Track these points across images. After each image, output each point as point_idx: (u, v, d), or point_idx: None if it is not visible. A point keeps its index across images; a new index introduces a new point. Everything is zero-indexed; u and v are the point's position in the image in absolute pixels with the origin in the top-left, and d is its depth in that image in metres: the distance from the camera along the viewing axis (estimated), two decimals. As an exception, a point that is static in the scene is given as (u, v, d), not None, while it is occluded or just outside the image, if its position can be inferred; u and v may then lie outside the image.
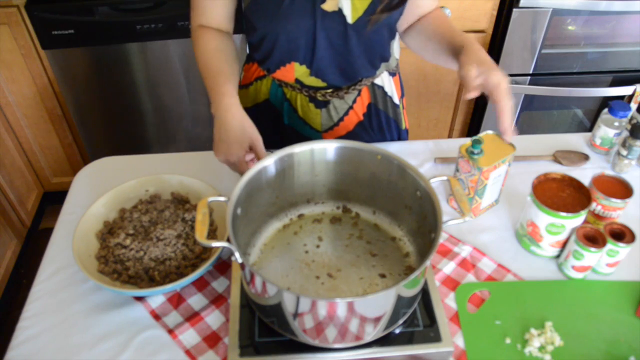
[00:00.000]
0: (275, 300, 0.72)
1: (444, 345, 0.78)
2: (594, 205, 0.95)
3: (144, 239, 0.92)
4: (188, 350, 0.81)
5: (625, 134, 1.12)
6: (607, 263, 0.90)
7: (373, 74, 1.10)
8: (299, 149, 0.89)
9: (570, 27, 1.93)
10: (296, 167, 0.91)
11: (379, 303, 0.72)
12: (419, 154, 1.17)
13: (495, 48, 2.01)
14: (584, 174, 1.05)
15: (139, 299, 0.88)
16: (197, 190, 1.01)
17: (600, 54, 2.00)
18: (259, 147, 0.92)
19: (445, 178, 0.84)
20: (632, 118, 1.17)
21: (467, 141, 0.98)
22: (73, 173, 2.07)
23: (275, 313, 0.75)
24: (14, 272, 2.00)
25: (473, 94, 0.85)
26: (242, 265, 0.75)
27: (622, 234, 0.88)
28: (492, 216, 1.03)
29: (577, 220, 0.88)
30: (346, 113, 1.12)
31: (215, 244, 0.72)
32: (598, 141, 1.17)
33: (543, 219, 0.90)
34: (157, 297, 0.88)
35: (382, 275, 0.88)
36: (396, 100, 1.18)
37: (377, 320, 0.73)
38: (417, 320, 0.81)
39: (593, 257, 0.87)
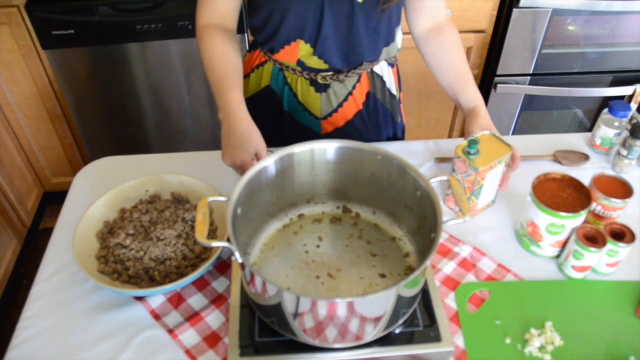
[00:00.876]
0: (275, 300, 0.72)
1: (444, 345, 0.78)
2: (594, 205, 0.95)
3: (144, 239, 0.92)
4: (188, 350, 0.81)
5: (625, 134, 1.12)
6: (607, 263, 0.90)
7: (375, 58, 1.10)
8: (299, 149, 0.89)
9: (570, 27, 1.93)
10: (296, 167, 0.91)
11: (379, 303, 0.72)
12: (419, 154, 1.17)
13: (495, 48, 2.01)
14: (584, 174, 1.05)
15: (139, 299, 0.88)
16: (197, 190, 1.01)
17: (600, 54, 2.00)
18: (263, 154, 0.94)
19: (445, 178, 0.84)
20: (632, 118, 1.17)
21: (464, 141, 0.98)
22: (73, 173, 2.07)
23: (275, 313, 0.75)
24: (14, 272, 2.00)
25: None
26: (242, 265, 0.75)
27: (622, 234, 0.88)
28: (492, 216, 1.03)
29: (577, 220, 0.88)
30: (345, 99, 1.13)
31: (215, 244, 0.72)
32: (598, 141, 1.17)
33: (543, 219, 0.90)
34: (157, 297, 0.88)
35: (382, 275, 0.88)
36: (394, 91, 1.19)
37: (377, 320, 0.73)
38: (417, 320, 0.81)
39: (593, 257, 0.87)
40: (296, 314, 0.72)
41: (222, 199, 0.82)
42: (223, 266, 0.93)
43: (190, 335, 0.83)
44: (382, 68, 1.14)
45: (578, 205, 0.90)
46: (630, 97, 2.08)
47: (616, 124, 1.13)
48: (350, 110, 1.15)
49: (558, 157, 1.16)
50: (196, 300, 0.88)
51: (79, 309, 0.86)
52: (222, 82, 0.98)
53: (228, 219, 0.76)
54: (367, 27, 1.02)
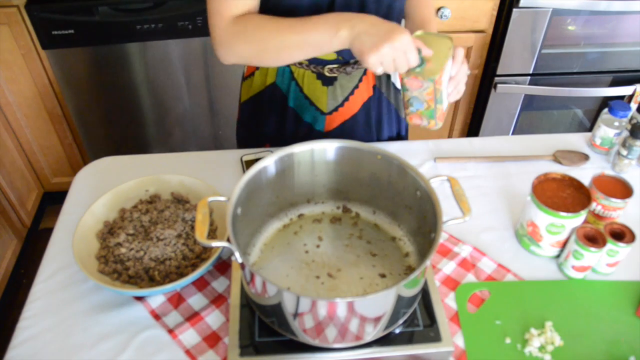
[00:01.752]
0: (275, 300, 0.72)
1: (444, 345, 0.78)
2: (594, 205, 0.95)
3: (144, 239, 0.92)
4: (188, 350, 0.81)
5: (625, 134, 1.12)
6: (607, 263, 0.90)
7: None
8: (299, 149, 0.89)
9: (570, 27, 1.93)
10: (296, 167, 0.91)
11: (379, 303, 0.72)
12: (419, 154, 1.17)
13: (495, 48, 2.01)
14: (584, 174, 1.05)
15: (139, 299, 0.88)
16: (197, 190, 1.01)
17: (600, 54, 2.00)
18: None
19: (445, 178, 0.84)
20: (632, 118, 1.17)
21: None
22: (73, 173, 2.07)
23: (275, 313, 0.75)
24: (14, 272, 2.00)
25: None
26: (242, 265, 0.75)
27: (622, 234, 0.88)
28: (492, 216, 1.03)
29: (577, 220, 0.88)
30: (352, 92, 1.13)
31: (215, 244, 0.72)
32: (598, 141, 1.17)
33: (543, 218, 0.90)
34: (157, 297, 0.88)
35: (382, 275, 0.88)
36: (398, 85, 1.19)
37: (377, 320, 0.73)
38: (417, 320, 0.81)
39: (593, 257, 0.87)
40: (296, 314, 0.72)
41: (222, 199, 0.82)
42: (223, 266, 0.93)
43: (190, 335, 0.83)
44: None
45: (578, 205, 0.90)
46: (630, 97, 2.08)
47: (616, 124, 1.13)
48: (355, 104, 1.15)
49: (558, 157, 1.16)
50: (196, 300, 0.88)
51: (79, 309, 0.86)
52: (304, 19, 0.90)
53: (228, 219, 0.76)
54: (378, 11, 1.02)
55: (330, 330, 0.73)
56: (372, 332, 0.76)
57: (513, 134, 2.24)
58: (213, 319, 0.85)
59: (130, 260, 0.90)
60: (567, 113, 2.24)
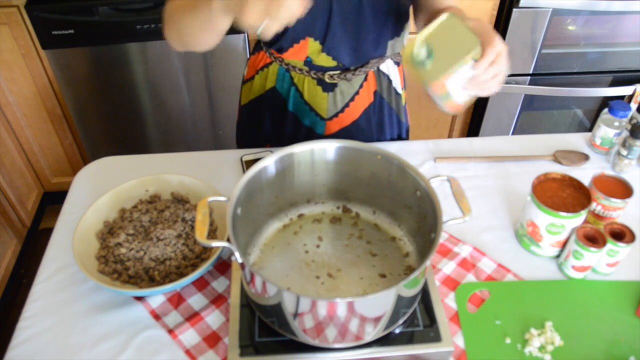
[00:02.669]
0: (275, 300, 0.72)
1: (444, 345, 0.78)
2: (594, 205, 0.95)
3: (144, 239, 0.92)
4: (188, 350, 0.81)
5: (625, 134, 1.12)
6: (607, 263, 0.90)
7: (381, 53, 1.10)
8: (299, 149, 0.89)
9: (570, 27, 1.93)
10: (296, 167, 0.91)
11: (379, 303, 0.72)
12: (419, 154, 1.17)
13: (495, 48, 2.00)
14: (584, 174, 1.05)
15: (139, 299, 0.88)
16: (197, 190, 1.01)
17: (600, 54, 2.00)
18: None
19: (445, 178, 0.84)
20: (632, 118, 1.17)
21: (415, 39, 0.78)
22: (73, 173, 2.07)
23: (275, 313, 0.75)
24: (14, 272, 2.00)
25: None
26: (242, 265, 0.75)
27: (622, 234, 0.88)
28: (492, 216, 1.03)
29: (577, 220, 0.88)
30: (352, 99, 1.13)
31: (215, 244, 0.72)
32: (598, 141, 1.17)
33: (543, 219, 0.90)
34: (157, 297, 0.88)
35: (382, 275, 0.88)
36: (399, 90, 1.20)
37: (377, 320, 0.73)
38: (417, 320, 0.81)
39: (593, 257, 0.87)
40: (296, 314, 0.72)
41: (222, 199, 0.82)
42: (223, 266, 0.93)
43: (190, 335, 0.83)
44: (388, 67, 1.14)
45: (578, 205, 0.90)
46: (630, 97, 2.08)
47: (616, 124, 1.13)
48: (356, 110, 1.15)
49: (558, 157, 1.16)
50: (196, 300, 0.88)
51: (79, 309, 0.86)
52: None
53: (228, 219, 0.76)
54: (375, 20, 1.02)
55: (330, 330, 0.73)
56: (372, 332, 0.76)
57: (513, 134, 2.24)
58: (213, 319, 0.85)
59: (130, 260, 0.90)
60: (567, 113, 2.24)
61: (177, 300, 0.88)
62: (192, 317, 0.85)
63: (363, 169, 0.92)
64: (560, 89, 2.05)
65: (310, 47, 1.05)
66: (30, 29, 1.76)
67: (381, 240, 0.94)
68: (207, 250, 0.92)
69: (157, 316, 0.85)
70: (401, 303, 0.75)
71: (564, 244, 0.92)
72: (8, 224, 1.97)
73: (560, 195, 0.92)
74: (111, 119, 2.02)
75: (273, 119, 1.18)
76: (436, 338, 0.79)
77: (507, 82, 2.05)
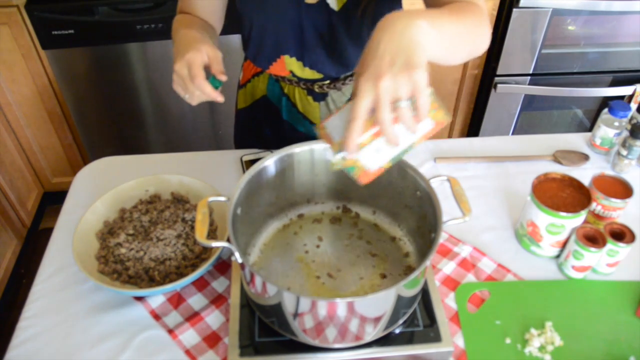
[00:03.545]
0: (275, 300, 0.72)
1: (444, 345, 0.78)
2: (594, 205, 0.95)
3: (144, 239, 0.92)
4: (188, 350, 0.81)
5: (625, 134, 1.12)
6: (607, 263, 0.90)
7: None
8: (299, 149, 0.89)
9: (570, 27, 1.93)
10: (296, 167, 0.91)
11: (379, 303, 0.72)
12: (419, 154, 1.17)
13: (495, 48, 2.01)
14: (584, 174, 1.05)
15: (139, 299, 0.88)
16: (197, 190, 1.01)
17: (600, 54, 2.00)
18: (212, 54, 0.84)
19: (445, 178, 0.84)
20: (632, 118, 1.17)
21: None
22: (73, 173, 2.07)
23: (275, 313, 0.75)
24: (14, 272, 2.00)
25: None
26: (242, 265, 0.75)
27: (622, 234, 0.88)
28: (492, 216, 1.03)
29: (577, 220, 0.88)
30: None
31: (215, 244, 0.72)
32: (598, 141, 1.17)
33: (543, 219, 0.90)
34: (157, 297, 0.88)
35: (382, 275, 0.88)
36: None
37: (377, 320, 0.73)
38: (417, 320, 0.81)
39: (593, 257, 0.87)
40: (296, 314, 0.72)
41: (222, 199, 0.82)
42: (223, 266, 0.93)
43: (190, 335, 0.83)
44: None
45: (578, 205, 0.90)
46: (630, 97, 2.08)
47: (616, 124, 1.13)
48: None
49: (558, 157, 1.16)
50: (196, 300, 0.88)
51: (79, 309, 0.86)
52: (181, 27, 0.92)
53: (228, 219, 0.76)
54: (349, 34, 1.00)
55: (330, 331, 0.73)
56: (372, 332, 0.76)
57: (513, 134, 2.24)
58: (213, 319, 0.85)
59: (130, 260, 0.90)
60: (567, 113, 2.24)
61: (177, 300, 0.88)
62: (192, 317, 0.85)
63: (363, 169, 0.92)
64: (560, 89, 2.05)
65: (289, 65, 1.05)
66: (30, 29, 1.75)
67: (381, 240, 0.94)
68: (207, 250, 0.92)
69: (157, 316, 0.85)
70: (401, 303, 0.75)
71: (564, 244, 0.92)
72: (8, 224, 1.97)
73: (560, 195, 0.92)
74: (111, 119, 2.02)
75: (270, 125, 1.18)
76: (436, 338, 0.79)
77: (507, 82, 2.05)
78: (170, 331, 0.83)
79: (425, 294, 0.84)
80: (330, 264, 0.89)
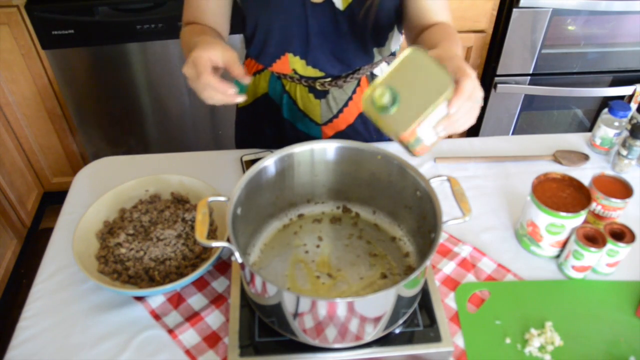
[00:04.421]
0: (275, 300, 0.72)
1: (444, 345, 0.78)
2: (594, 205, 0.95)
3: (144, 239, 0.92)
4: (188, 350, 0.81)
5: (625, 134, 1.12)
6: (607, 263, 0.90)
7: (369, 61, 1.09)
8: (299, 149, 0.89)
9: (570, 27, 1.93)
10: (296, 167, 0.91)
11: (379, 303, 0.72)
12: (419, 154, 1.17)
13: (495, 48, 2.01)
14: (584, 174, 1.05)
15: (139, 299, 0.88)
16: (197, 190, 1.01)
17: (600, 54, 2.00)
18: (228, 57, 0.82)
19: (445, 178, 0.84)
20: (632, 118, 1.17)
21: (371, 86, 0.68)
22: (73, 173, 2.07)
23: (275, 313, 0.75)
24: (14, 272, 2.00)
25: None
26: (242, 265, 0.75)
27: (622, 234, 0.88)
28: (492, 216, 1.03)
29: (577, 220, 0.88)
30: (345, 104, 1.13)
31: (215, 244, 0.72)
32: (598, 141, 1.17)
33: (543, 219, 0.90)
34: (157, 297, 0.88)
35: (382, 275, 0.88)
36: None
37: (377, 320, 0.73)
38: (417, 320, 0.81)
39: (593, 257, 0.87)
40: (296, 314, 0.72)
41: (222, 199, 0.82)
42: (223, 266, 0.93)
43: (190, 335, 0.83)
44: (382, 70, 1.14)
45: (578, 205, 0.90)
46: (630, 97, 2.08)
47: (616, 124, 1.13)
48: (351, 115, 1.14)
49: (558, 157, 1.16)
50: (196, 300, 0.88)
51: (79, 309, 0.86)
52: (193, 36, 0.91)
53: (228, 219, 0.76)
54: (353, 32, 1.01)
55: (330, 330, 0.73)
56: (372, 332, 0.76)
57: (513, 134, 2.24)
58: (213, 319, 0.85)
59: (130, 260, 0.90)
60: (567, 113, 2.24)
61: (177, 300, 0.88)
62: (192, 317, 0.85)
63: (363, 169, 0.92)
64: (560, 89, 2.05)
65: (292, 63, 1.06)
66: (30, 29, 1.75)
67: (381, 240, 0.94)
68: (207, 250, 0.92)
69: (157, 316, 0.85)
70: (401, 303, 0.75)
71: (564, 244, 0.92)
72: (8, 224, 1.97)
73: (560, 195, 0.92)
74: (111, 119, 2.02)
75: (270, 124, 1.18)
76: (436, 338, 0.79)
77: (507, 82, 2.05)
78: (170, 331, 0.83)
79: (425, 294, 0.84)
80: (330, 264, 0.89)
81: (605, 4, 1.85)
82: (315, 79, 1.08)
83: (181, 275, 0.88)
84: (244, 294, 0.84)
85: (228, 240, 0.74)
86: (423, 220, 0.85)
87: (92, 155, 2.09)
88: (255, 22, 1.02)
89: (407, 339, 0.79)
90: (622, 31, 1.94)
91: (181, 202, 1.01)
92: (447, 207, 1.05)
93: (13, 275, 1.98)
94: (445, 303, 0.88)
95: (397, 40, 1.14)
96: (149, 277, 0.88)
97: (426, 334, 0.79)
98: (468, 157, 1.16)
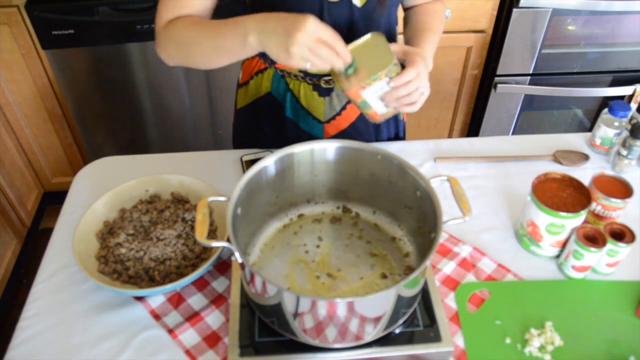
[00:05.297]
0: (275, 300, 0.72)
1: (444, 345, 0.78)
2: (594, 205, 0.95)
3: (144, 239, 0.92)
4: (188, 350, 0.81)
5: (625, 134, 1.12)
6: (607, 263, 0.90)
7: None
8: (299, 149, 0.89)
9: (570, 27, 1.93)
10: (296, 167, 0.91)
11: (379, 303, 0.72)
12: (419, 154, 1.17)
13: (495, 48, 2.01)
14: (584, 174, 1.05)
15: (139, 299, 0.88)
16: (197, 190, 1.01)
17: (600, 54, 2.00)
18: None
19: (445, 178, 0.84)
20: (632, 118, 1.17)
21: None
22: (73, 173, 2.07)
23: (275, 313, 0.75)
24: (14, 272, 2.00)
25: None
26: (242, 265, 0.75)
27: (622, 234, 0.88)
28: (492, 216, 1.03)
29: (577, 220, 0.88)
30: (349, 101, 1.13)
31: (215, 244, 0.72)
32: (598, 141, 1.17)
33: (543, 219, 0.90)
34: (157, 297, 0.88)
35: (383, 275, 0.88)
36: None
37: (377, 320, 0.73)
38: (417, 320, 0.81)
39: (593, 257, 0.87)
40: (296, 314, 0.72)
41: (222, 199, 0.82)
42: (223, 266, 0.93)
43: (190, 335, 0.83)
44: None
45: (578, 205, 0.90)
46: (630, 97, 2.08)
47: (616, 124, 1.13)
48: (353, 112, 1.15)
49: (558, 157, 1.16)
50: (196, 300, 0.88)
51: (79, 309, 0.86)
52: (220, 23, 0.85)
53: (228, 219, 0.76)
54: (367, 29, 1.00)
55: (330, 331, 0.73)
56: (372, 332, 0.76)
57: (513, 134, 2.24)
58: (213, 319, 0.85)
59: (130, 260, 0.90)
60: (567, 113, 2.24)
61: (177, 300, 0.88)
62: (192, 317, 0.85)
63: (363, 169, 0.92)
64: (560, 89, 2.05)
65: None
66: (30, 29, 1.75)
67: (381, 240, 0.94)
68: (207, 250, 0.92)
69: (157, 316, 0.85)
70: (401, 303, 0.75)
71: (564, 244, 0.92)
72: (8, 224, 1.97)
73: (560, 195, 0.92)
74: (111, 119, 2.02)
75: (271, 123, 1.18)
76: (436, 338, 0.79)
77: (507, 82, 2.05)
78: (170, 331, 0.83)
79: (425, 294, 0.84)
80: (330, 264, 0.89)
81: (605, 4, 1.85)
82: (320, 76, 1.08)
83: (181, 275, 0.88)
84: (244, 294, 0.84)
85: (228, 240, 0.74)
86: (423, 220, 0.85)
87: (92, 155, 2.09)
88: None
89: (407, 339, 0.79)
90: (622, 31, 1.94)
91: (181, 202, 1.01)
92: (447, 207, 1.05)
93: (13, 275, 1.98)
94: (445, 303, 0.88)
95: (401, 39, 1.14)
96: (149, 277, 0.88)
97: (426, 334, 0.79)
98: (468, 157, 1.16)
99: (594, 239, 0.88)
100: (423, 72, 0.88)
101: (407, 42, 1.06)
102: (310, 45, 0.77)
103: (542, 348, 0.81)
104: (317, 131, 1.16)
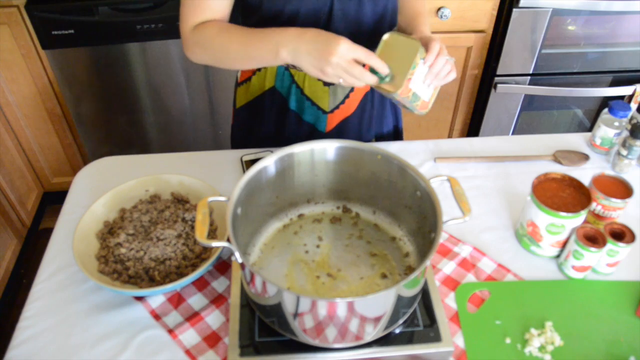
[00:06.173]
0: (275, 300, 0.72)
1: (444, 345, 0.78)
2: (594, 205, 0.95)
3: (144, 239, 0.92)
4: (188, 350, 0.81)
5: (625, 134, 1.12)
6: (607, 263, 0.90)
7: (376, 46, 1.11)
8: (299, 149, 0.89)
9: (570, 27, 1.93)
10: (296, 167, 0.91)
11: (379, 303, 0.72)
12: (419, 154, 1.17)
13: (495, 48, 2.01)
14: (584, 174, 1.05)
15: (139, 299, 0.88)
16: (197, 190, 1.01)
17: (600, 54, 2.00)
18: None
19: (445, 178, 0.84)
20: (632, 118, 1.17)
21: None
22: (73, 173, 2.07)
23: (275, 313, 0.75)
24: (14, 272, 2.00)
25: None
26: (242, 265, 0.75)
27: (622, 234, 0.88)
28: (492, 216, 1.03)
29: (577, 220, 0.88)
30: (351, 90, 1.14)
31: (215, 244, 0.72)
32: (598, 141, 1.17)
33: (543, 219, 0.90)
34: (157, 297, 0.88)
35: (383, 275, 0.88)
36: None
37: (377, 320, 0.73)
38: (417, 320, 0.81)
39: (593, 257, 0.87)
40: (296, 314, 0.72)
41: (222, 199, 0.82)
42: (223, 266, 0.93)
43: (190, 335, 0.83)
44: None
45: (578, 205, 0.90)
46: (630, 97, 2.08)
47: (616, 124, 1.13)
48: (355, 100, 1.15)
49: (558, 157, 1.16)
50: (196, 300, 0.88)
51: (79, 309, 0.86)
52: (254, 32, 0.90)
53: (228, 219, 0.76)
54: (374, 12, 1.03)
55: (330, 330, 0.73)
56: (372, 332, 0.76)
57: (513, 134, 2.24)
58: (213, 319, 0.85)
59: (130, 260, 0.90)
60: (567, 113, 2.24)
61: (177, 300, 0.88)
62: (192, 317, 0.85)
63: (363, 169, 0.92)
64: (560, 89, 2.05)
65: None
66: (30, 29, 1.75)
67: (381, 240, 0.94)
68: (207, 250, 0.92)
69: (157, 316, 0.85)
70: (401, 303, 0.75)
71: (564, 244, 0.92)
72: (8, 224, 1.97)
73: (560, 195, 0.92)
74: (111, 119, 2.02)
75: (273, 119, 1.18)
76: (436, 338, 0.79)
77: (507, 82, 2.05)
78: (170, 331, 0.83)
79: (425, 294, 0.84)
80: (330, 264, 0.89)
81: (605, 4, 1.85)
82: None
83: (181, 275, 0.88)
84: (244, 294, 0.84)
85: (228, 240, 0.74)
86: (423, 220, 0.85)
87: (92, 155, 2.09)
88: (276, 11, 1.00)
89: (407, 339, 0.79)
90: (622, 31, 1.94)
91: (181, 202, 1.01)
92: (447, 207, 1.05)
93: (13, 275, 1.98)
94: (445, 303, 0.88)
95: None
96: (149, 277, 0.88)
97: (426, 334, 0.79)
98: (468, 157, 1.16)
99: (594, 239, 0.88)
100: (440, 42, 0.91)
101: (404, 28, 1.10)
102: (344, 66, 0.82)
103: (542, 348, 0.81)
104: (320, 122, 1.16)
